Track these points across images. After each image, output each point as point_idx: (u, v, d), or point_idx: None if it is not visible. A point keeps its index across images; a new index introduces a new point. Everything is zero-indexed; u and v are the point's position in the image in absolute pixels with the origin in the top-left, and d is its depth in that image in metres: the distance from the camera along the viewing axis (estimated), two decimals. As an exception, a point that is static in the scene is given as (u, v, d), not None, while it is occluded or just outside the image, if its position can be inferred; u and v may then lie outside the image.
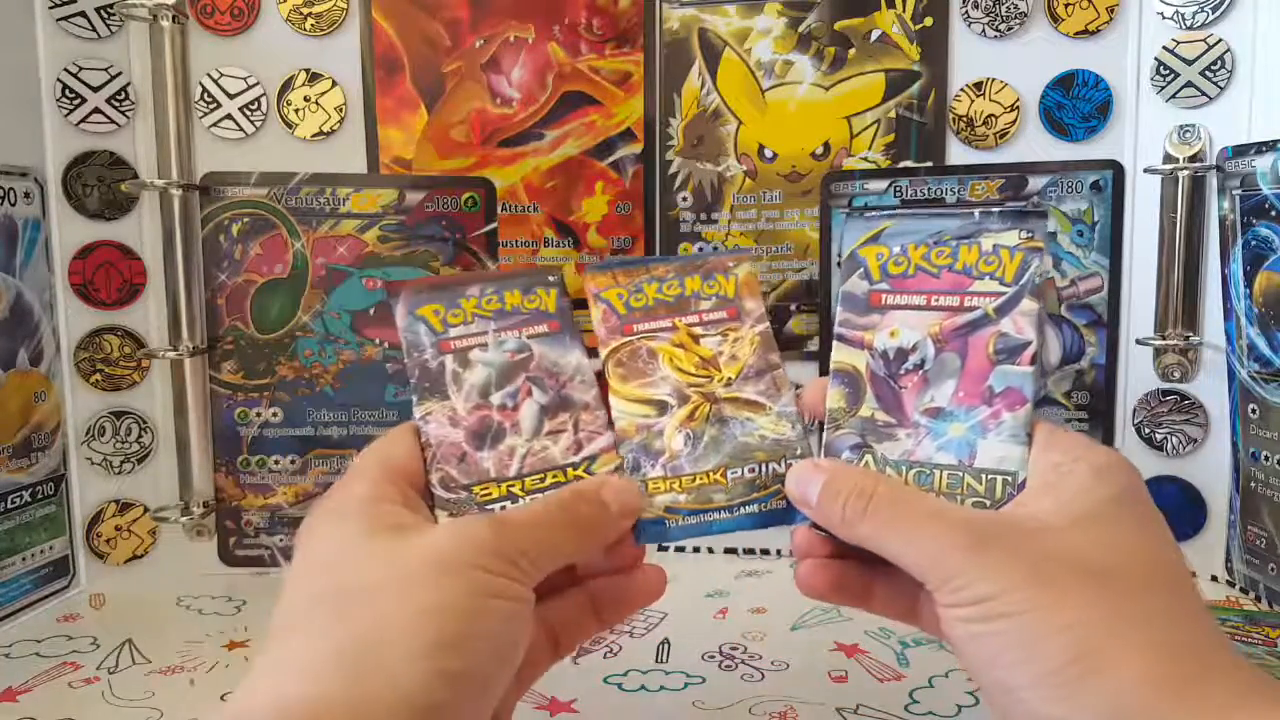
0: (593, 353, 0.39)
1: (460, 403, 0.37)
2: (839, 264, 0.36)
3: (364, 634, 0.28)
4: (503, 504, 0.36)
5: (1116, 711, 0.27)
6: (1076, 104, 0.59)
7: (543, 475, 0.36)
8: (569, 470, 0.37)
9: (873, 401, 0.36)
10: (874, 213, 0.37)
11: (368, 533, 0.31)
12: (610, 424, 0.37)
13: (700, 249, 0.62)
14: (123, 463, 0.61)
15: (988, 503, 0.33)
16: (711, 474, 0.36)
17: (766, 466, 0.36)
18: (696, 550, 0.64)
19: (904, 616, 0.38)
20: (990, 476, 0.34)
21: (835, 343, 0.37)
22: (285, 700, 0.27)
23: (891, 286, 0.36)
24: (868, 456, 0.35)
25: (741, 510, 0.36)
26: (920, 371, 0.35)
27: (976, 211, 0.36)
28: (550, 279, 0.40)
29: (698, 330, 0.39)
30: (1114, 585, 0.29)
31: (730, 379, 0.38)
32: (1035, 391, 0.34)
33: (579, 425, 0.37)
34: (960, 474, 0.34)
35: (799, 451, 0.36)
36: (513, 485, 0.36)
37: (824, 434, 0.36)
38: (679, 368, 0.38)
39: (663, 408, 0.37)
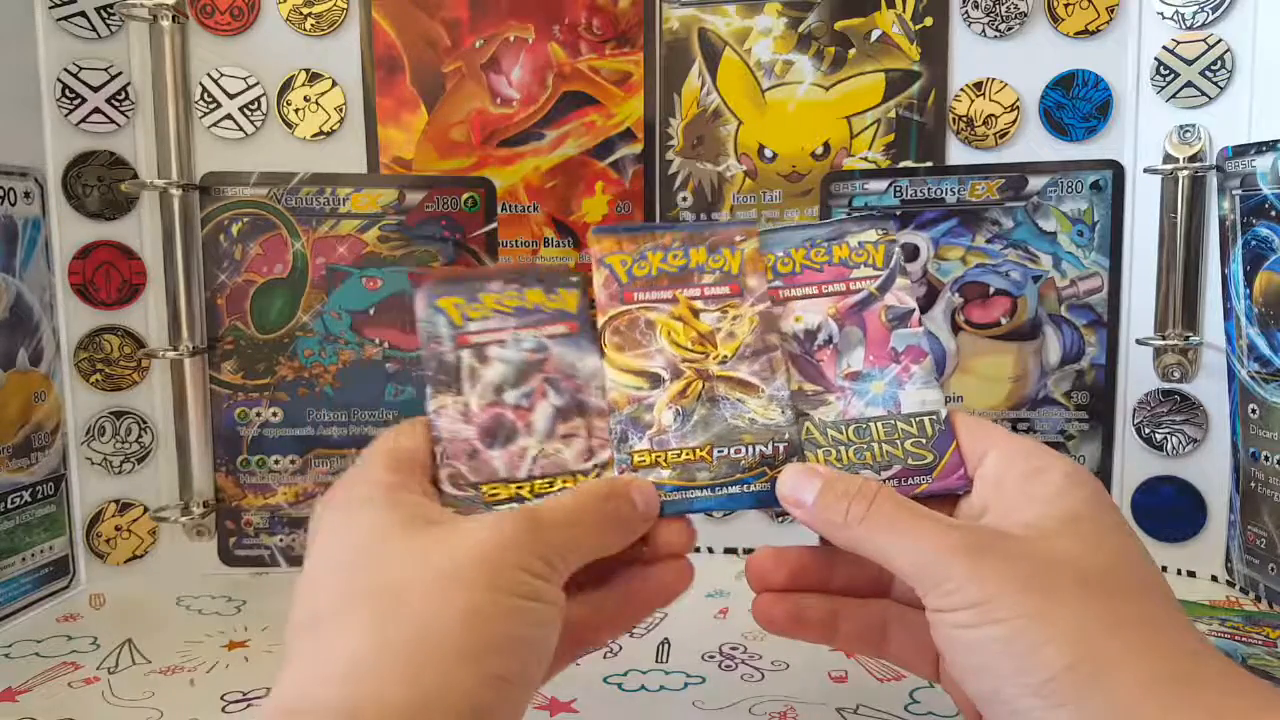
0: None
1: (474, 399, 0.37)
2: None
3: (413, 634, 0.28)
4: (510, 506, 0.35)
5: (1117, 715, 0.27)
6: (1076, 104, 0.59)
7: (552, 480, 0.36)
8: (579, 476, 0.36)
9: (797, 376, 0.39)
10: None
11: (400, 524, 0.31)
12: None
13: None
14: (123, 463, 0.61)
15: (923, 440, 0.37)
16: (698, 451, 0.37)
17: (753, 448, 0.37)
18: (696, 550, 0.64)
19: (874, 649, 0.38)
20: (918, 418, 0.37)
21: None
22: (348, 700, 0.26)
23: (785, 283, 0.40)
24: (806, 423, 0.38)
25: (725, 490, 0.36)
26: (830, 346, 0.39)
27: (834, 221, 0.41)
28: (573, 279, 0.40)
29: (698, 304, 0.39)
30: (1108, 588, 0.30)
31: (726, 357, 0.38)
32: (930, 341, 0.39)
33: (592, 431, 0.37)
34: (893, 421, 0.38)
35: (787, 437, 0.37)
36: (521, 487, 0.36)
37: None
38: (675, 341, 0.38)
39: (656, 381, 0.38)
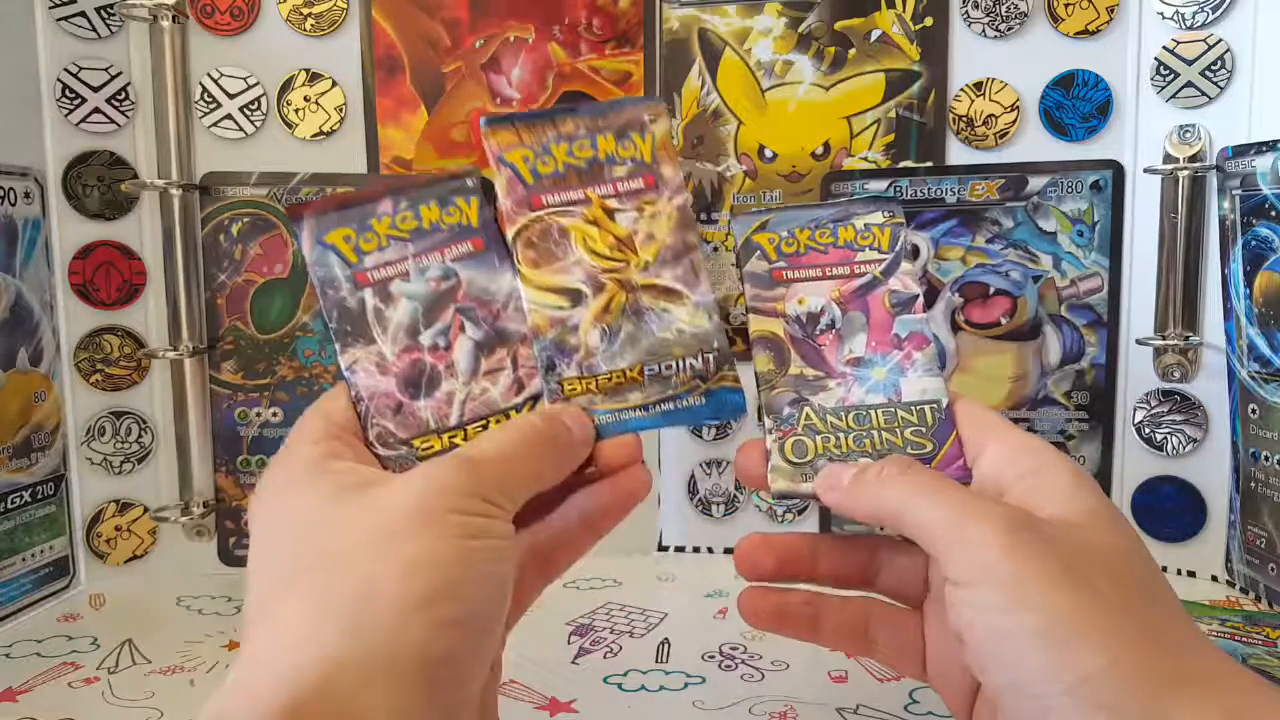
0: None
1: (387, 346, 0.35)
2: (735, 254, 0.40)
3: (355, 594, 0.28)
4: None
5: (1150, 714, 0.26)
6: (1076, 104, 0.59)
7: (486, 422, 0.35)
8: (511, 413, 0.35)
9: (798, 360, 0.38)
10: (754, 209, 0.40)
11: (334, 493, 0.31)
12: None
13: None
14: (123, 463, 0.61)
15: (923, 429, 0.36)
16: (628, 372, 0.36)
17: (684, 362, 0.36)
18: (696, 550, 0.64)
19: (857, 646, 0.38)
20: (919, 407, 0.37)
21: (751, 315, 0.39)
22: (294, 668, 0.26)
23: (788, 264, 0.39)
24: (806, 408, 0.37)
25: (659, 408, 0.36)
26: (833, 330, 0.38)
27: (841, 202, 0.41)
28: (469, 184, 0.37)
29: (612, 204, 0.37)
30: (1134, 585, 0.29)
31: (647, 262, 0.37)
32: (933, 331, 0.38)
33: (518, 361, 0.36)
34: (893, 409, 0.37)
35: (716, 345, 0.37)
36: (455, 436, 0.35)
37: (760, 395, 0.38)
38: (592, 250, 0.36)
39: (577, 297, 0.36)
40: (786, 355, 0.38)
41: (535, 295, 0.36)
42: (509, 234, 0.36)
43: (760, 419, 0.38)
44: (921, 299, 0.39)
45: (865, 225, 0.39)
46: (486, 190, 0.37)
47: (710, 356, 0.36)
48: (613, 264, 0.37)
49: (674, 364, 0.36)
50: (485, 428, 0.35)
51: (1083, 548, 0.29)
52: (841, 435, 0.37)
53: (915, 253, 0.60)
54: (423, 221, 0.36)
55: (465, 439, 0.35)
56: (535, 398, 0.36)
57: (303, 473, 0.32)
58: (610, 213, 0.37)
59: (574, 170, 0.37)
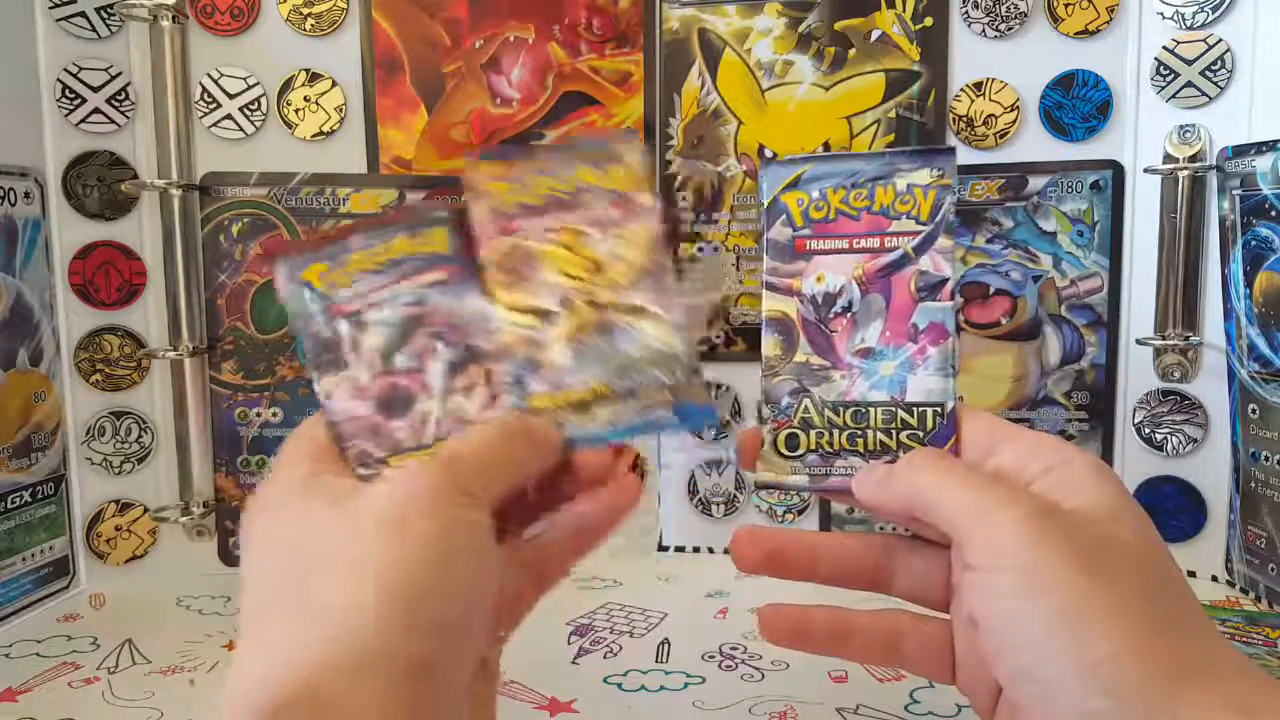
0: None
1: (362, 371, 0.36)
2: (764, 213, 0.38)
3: (340, 599, 0.28)
4: None
5: (1158, 704, 0.27)
6: (1076, 104, 0.59)
7: None
8: None
9: (806, 347, 0.37)
10: (791, 157, 0.38)
11: (319, 506, 0.31)
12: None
13: (700, 249, 0.62)
14: (123, 463, 0.61)
15: (920, 434, 0.35)
16: (596, 389, 0.36)
17: (650, 373, 0.36)
18: (696, 550, 0.64)
19: (887, 659, 0.37)
20: (921, 409, 0.36)
21: (765, 291, 0.37)
22: (282, 676, 0.26)
23: (814, 232, 0.37)
24: (805, 400, 0.37)
25: (625, 422, 0.36)
26: (849, 314, 0.37)
27: (887, 153, 0.37)
28: (436, 214, 0.37)
29: (585, 228, 0.37)
30: (1152, 579, 0.30)
31: (618, 283, 0.36)
32: (956, 324, 0.36)
33: (491, 378, 0.36)
34: (894, 410, 0.36)
35: (685, 363, 0.36)
36: (430, 452, 0.35)
37: (762, 381, 0.37)
38: (564, 271, 0.36)
39: (547, 316, 0.36)
40: (795, 340, 0.37)
41: (506, 315, 0.36)
42: (481, 257, 0.37)
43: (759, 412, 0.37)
44: (951, 283, 0.36)
45: (908, 186, 0.36)
46: (456, 220, 0.37)
47: (677, 370, 0.36)
48: (584, 284, 0.37)
49: (642, 376, 0.36)
50: None
51: (1102, 539, 0.30)
52: (836, 432, 0.36)
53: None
54: (394, 253, 0.37)
55: None
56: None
57: (293, 490, 0.32)
58: (584, 236, 0.37)
59: (551, 200, 0.37)
